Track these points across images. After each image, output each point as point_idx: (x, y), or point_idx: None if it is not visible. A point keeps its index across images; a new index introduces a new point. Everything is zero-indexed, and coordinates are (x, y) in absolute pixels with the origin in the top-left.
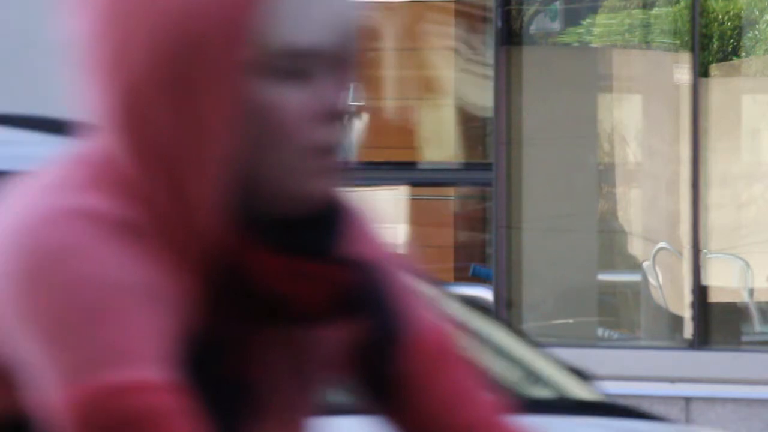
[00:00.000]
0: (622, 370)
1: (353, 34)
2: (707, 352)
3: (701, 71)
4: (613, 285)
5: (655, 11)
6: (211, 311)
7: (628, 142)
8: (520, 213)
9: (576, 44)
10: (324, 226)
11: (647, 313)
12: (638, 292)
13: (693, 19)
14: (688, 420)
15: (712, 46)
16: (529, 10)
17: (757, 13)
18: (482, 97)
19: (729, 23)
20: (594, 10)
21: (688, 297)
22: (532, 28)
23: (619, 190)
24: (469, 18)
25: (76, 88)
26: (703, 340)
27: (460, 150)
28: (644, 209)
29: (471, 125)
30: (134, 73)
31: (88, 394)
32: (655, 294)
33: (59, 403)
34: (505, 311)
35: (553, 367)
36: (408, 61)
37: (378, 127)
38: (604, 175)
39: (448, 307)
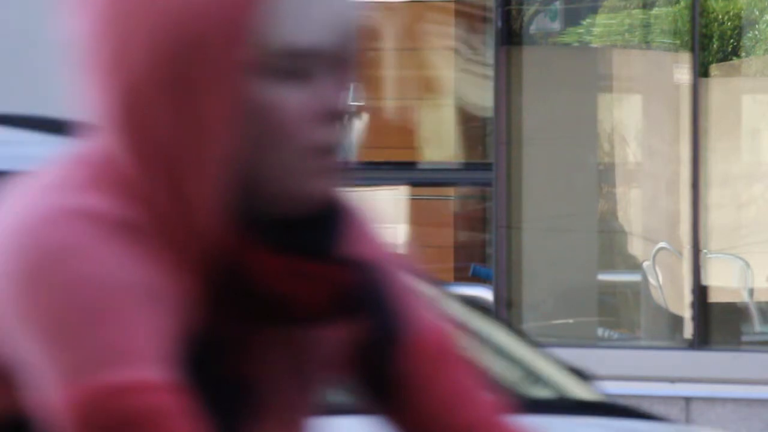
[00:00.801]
0: (622, 370)
1: (353, 34)
2: (707, 352)
3: (701, 71)
4: (613, 285)
5: (655, 11)
6: (211, 311)
7: (628, 142)
8: (520, 213)
9: (576, 44)
10: (324, 226)
11: (647, 313)
12: (638, 292)
13: (693, 19)
14: (688, 420)
15: (712, 46)
16: (529, 10)
17: (757, 13)
18: (482, 97)
19: (729, 23)
20: (594, 10)
21: (688, 297)
22: (532, 28)
23: (619, 190)
24: (469, 18)
25: (76, 88)
26: (703, 340)
27: (460, 150)
28: (644, 209)
29: (471, 125)
30: (134, 73)
31: (88, 394)
32: (655, 294)
33: (59, 403)
34: (505, 311)
35: (553, 367)
36: (408, 61)
37: (378, 127)
38: (604, 175)
39: (448, 307)
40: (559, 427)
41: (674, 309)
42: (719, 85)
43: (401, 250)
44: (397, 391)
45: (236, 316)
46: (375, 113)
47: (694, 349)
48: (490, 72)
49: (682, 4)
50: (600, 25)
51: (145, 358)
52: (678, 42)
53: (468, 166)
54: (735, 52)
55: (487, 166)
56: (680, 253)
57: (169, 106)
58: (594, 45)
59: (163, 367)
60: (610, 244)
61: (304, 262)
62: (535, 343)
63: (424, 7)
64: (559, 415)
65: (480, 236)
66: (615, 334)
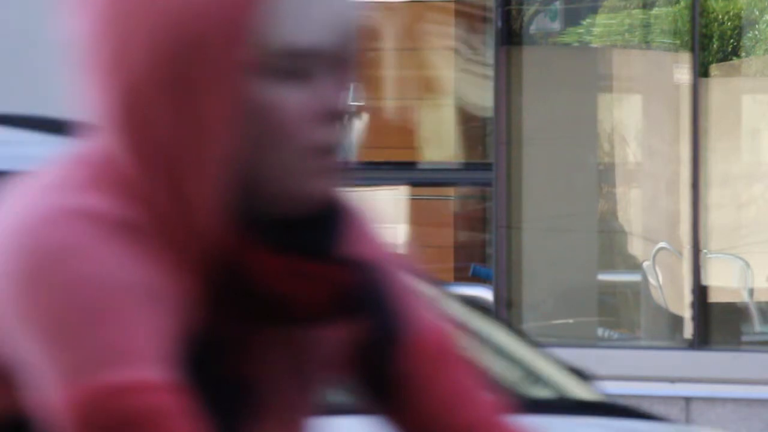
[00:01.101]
0: (622, 370)
1: (353, 34)
2: (707, 352)
3: (701, 71)
4: (613, 285)
5: (655, 11)
6: (211, 311)
7: (628, 142)
8: (520, 213)
9: (576, 44)
10: (324, 226)
11: (647, 313)
12: (638, 292)
13: (693, 19)
14: (688, 420)
15: (712, 46)
16: (529, 10)
17: (757, 13)
18: (482, 97)
19: (729, 23)
20: (594, 10)
21: (688, 297)
22: (532, 28)
23: (619, 190)
24: (469, 18)
25: (76, 88)
26: (703, 340)
27: (460, 150)
28: (644, 209)
29: (471, 125)
30: (134, 73)
31: (88, 394)
32: (655, 294)
33: (59, 403)
34: (505, 311)
35: (553, 367)
36: (408, 61)
37: (378, 127)
38: (604, 175)
39: (448, 307)
40: (559, 427)
41: (674, 309)
42: (719, 85)
43: (401, 250)
44: (397, 391)
45: (236, 316)
46: (375, 113)
47: (694, 349)
48: (490, 72)
49: (682, 4)
50: (600, 25)
51: (145, 358)
52: (678, 42)
53: (468, 166)
54: (735, 52)
55: (487, 166)
56: (680, 253)
57: (169, 106)
58: (594, 45)
59: (163, 367)
60: (610, 244)
61: (304, 262)
62: (535, 343)
63: (424, 7)
64: (559, 415)
65: (480, 236)
66: (615, 334)
